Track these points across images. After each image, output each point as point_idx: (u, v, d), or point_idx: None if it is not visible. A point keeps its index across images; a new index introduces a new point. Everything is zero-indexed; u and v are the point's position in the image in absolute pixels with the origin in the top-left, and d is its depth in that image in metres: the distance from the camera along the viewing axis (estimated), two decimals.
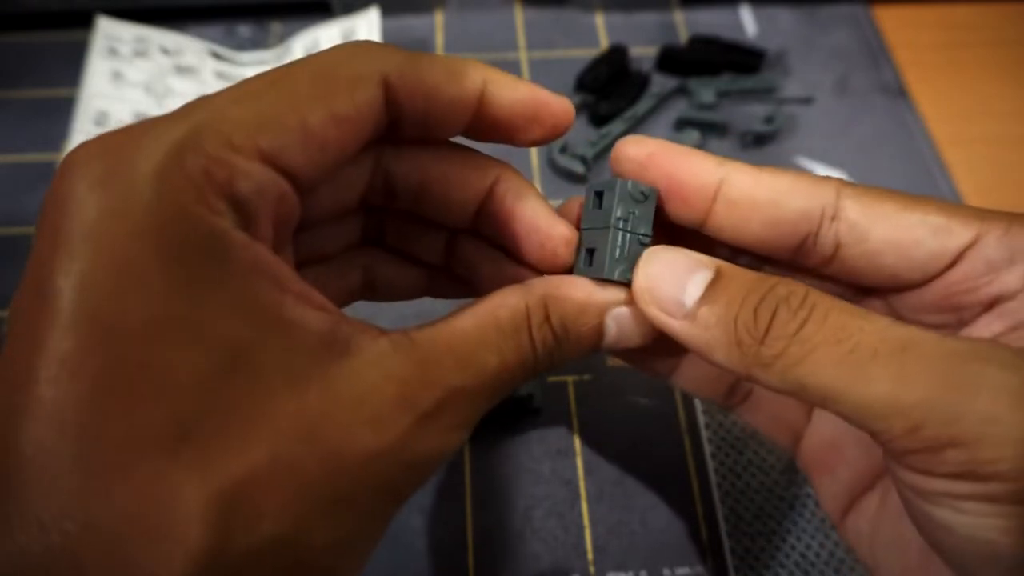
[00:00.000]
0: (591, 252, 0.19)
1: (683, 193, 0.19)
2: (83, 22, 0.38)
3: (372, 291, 0.23)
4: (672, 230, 0.20)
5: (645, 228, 0.19)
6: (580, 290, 0.18)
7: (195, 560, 0.12)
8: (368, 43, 0.17)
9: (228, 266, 0.13)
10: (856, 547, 0.20)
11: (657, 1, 0.43)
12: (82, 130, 0.34)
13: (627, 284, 0.19)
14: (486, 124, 0.18)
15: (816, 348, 0.15)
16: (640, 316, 0.19)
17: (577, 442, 0.30)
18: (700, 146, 0.38)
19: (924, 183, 0.38)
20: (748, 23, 0.44)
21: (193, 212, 0.13)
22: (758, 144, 0.38)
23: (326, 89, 0.15)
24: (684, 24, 0.43)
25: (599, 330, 0.18)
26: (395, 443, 0.14)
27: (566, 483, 0.29)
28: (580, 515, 0.28)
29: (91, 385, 0.12)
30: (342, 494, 0.14)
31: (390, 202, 0.20)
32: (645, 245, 0.19)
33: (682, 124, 0.39)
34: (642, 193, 0.19)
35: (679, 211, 0.19)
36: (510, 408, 0.29)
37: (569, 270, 0.20)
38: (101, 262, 0.12)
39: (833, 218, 0.18)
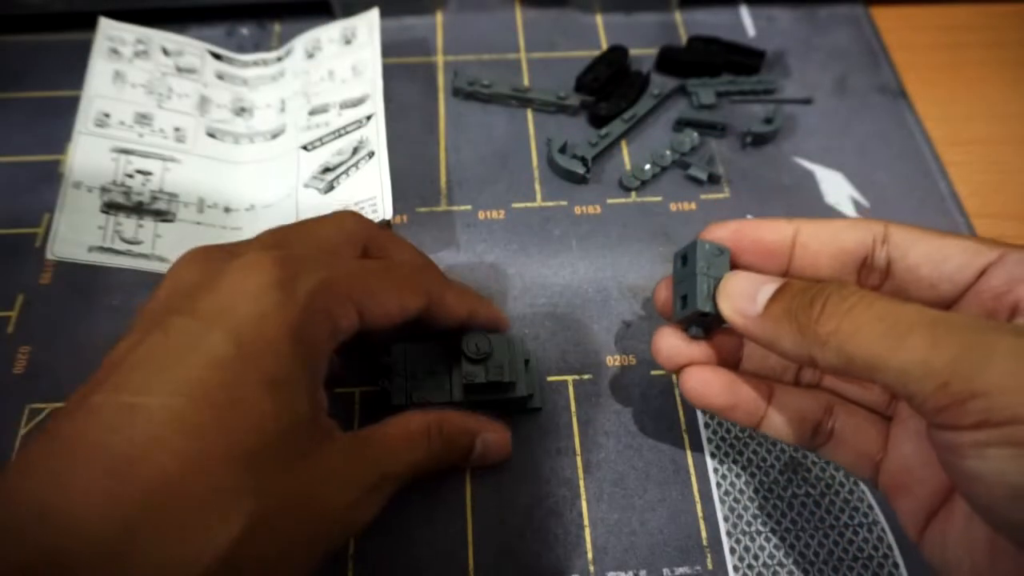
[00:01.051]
0: (684, 298, 0.24)
1: (769, 249, 0.24)
2: (85, 23, 0.38)
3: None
4: None
5: (721, 273, 0.24)
6: (459, 416, 0.26)
7: (216, 552, 0.16)
8: (425, 272, 0.27)
9: (315, 374, 0.21)
10: (931, 557, 0.22)
11: (657, 1, 0.44)
12: (84, 130, 0.34)
13: (715, 315, 0.23)
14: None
15: (863, 325, 0.19)
16: (499, 438, 0.27)
17: (577, 442, 0.30)
18: (698, 146, 0.38)
19: (923, 183, 0.38)
20: (747, 24, 0.44)
21: (321, 341, 0.21)
22: (757, 144, 0.38)
23: (400, 284, 0.24)
24: (684, 25, 0.43)
25: (471, 448, 0.27)
26: (347, 505, 0.21)
27: (566, 483, 0.29)
28: (580, 515, 0.28)
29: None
30: (304, 535, 0.19)
31: None
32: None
33: (682, 124, 0.39)
34: (718, 249, 0.24)
35: (768, 264, 0.24)
36: (511, 407, 0.30)
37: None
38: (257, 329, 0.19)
39: (884, 241, 0.22)
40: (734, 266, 0.24)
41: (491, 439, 0.27)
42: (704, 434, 0.30)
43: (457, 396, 0.28)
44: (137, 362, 0.18)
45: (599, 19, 0.44)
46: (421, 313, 0.25)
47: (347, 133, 0.35)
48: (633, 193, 0.37)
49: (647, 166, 0.37)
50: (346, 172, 0.34)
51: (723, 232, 0.24)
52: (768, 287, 0.22)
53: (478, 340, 0.27)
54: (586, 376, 0.31)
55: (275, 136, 0.37)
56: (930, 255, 0.22)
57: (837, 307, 0.19)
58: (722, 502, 0.28)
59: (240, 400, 0.18)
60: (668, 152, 0.37)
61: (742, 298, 0.22)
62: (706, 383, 0.25)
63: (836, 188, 0.37)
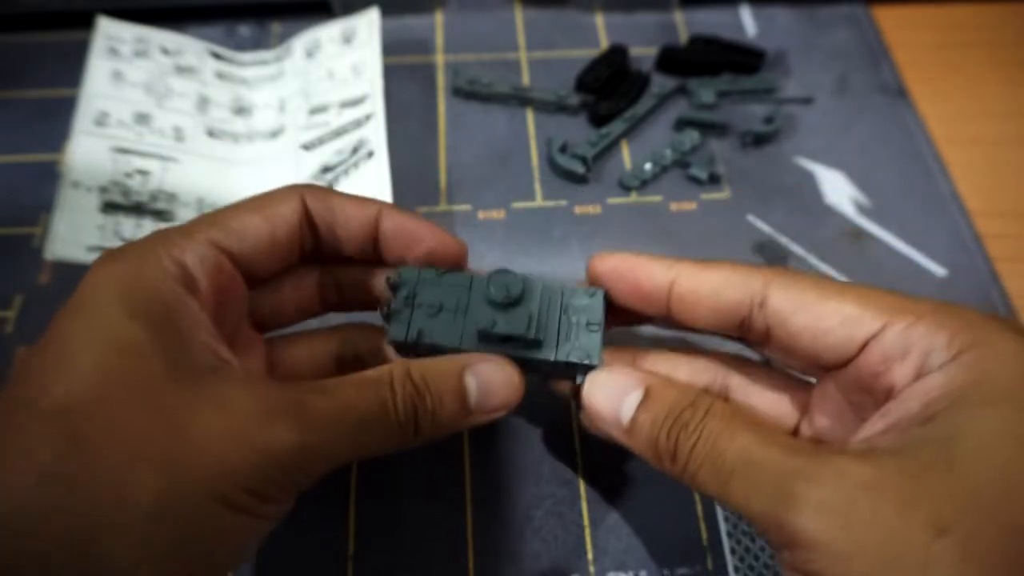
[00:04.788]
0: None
1: (644, 294, 0.23)
2: (83, 22, 0.38)
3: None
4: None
5: (595, 318, 0.23)
6: (439, 360, 0.22)
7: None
8: (292, 185, 0.23)
9: (168, 310, 0.19)
10: None
11: (657, 1, 0.43)
12: (83, 130, 0.34)
13: (582, 365, 0.22)
14: (383, 241, 0.24)
15: (701, 467, 0.19)
16: (498, 371, 0.22)
17: (577, 442, 0.30)
18: (699, 146, 0.38)
19: (924, 183, 0.38)
20: (748, 23, 0.44)
21: (155, 280, 0.20)
22: (758, 144, 0.38)
23: (261, 204, 0.22)
24: (684, 24, 0.43)
25: (460, 389, 0.21)
26: (238, 425, 0.18)
27: (566, 483, 0.29)
28: (580, 515, 0.28)
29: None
30: (178, 459, 0.17)
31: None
32: (595, 333, 0.23)
33: (682, 124, 0.39)
34: (587, 294, 0.23)
35: (645, 308, 0.23)
36: (549, 373, 0.26)
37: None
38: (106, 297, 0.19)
39: (761, 305, 0.21)
40: (613, 304, 0.24)
41: (487, 373, 0.21)
42: None
43: (468, 344, 0.22)
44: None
45: (599, 18, 0.44)
46: (314, 229, 0.23)
47: (347, 133, 0.35)
48: (633, 193, 0.37)
49: (647, 166, 0.37)
50: (345, 172, 0.34)
51: (603, 267, 0.23)
52: (631, 399, 0.21)
53: (509, 281, 0.21)
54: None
55: (275, 136, 0.37)
56: (809, 327, 0.20)
57: (684, 448, 0.20)
58: None
59: (69, 356, 0.18)
60: (668, 152, 0.37)
61: (606, 410, 0.22)
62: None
63: (837, 188, 0.37)
